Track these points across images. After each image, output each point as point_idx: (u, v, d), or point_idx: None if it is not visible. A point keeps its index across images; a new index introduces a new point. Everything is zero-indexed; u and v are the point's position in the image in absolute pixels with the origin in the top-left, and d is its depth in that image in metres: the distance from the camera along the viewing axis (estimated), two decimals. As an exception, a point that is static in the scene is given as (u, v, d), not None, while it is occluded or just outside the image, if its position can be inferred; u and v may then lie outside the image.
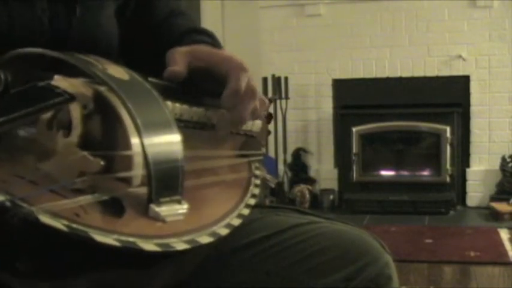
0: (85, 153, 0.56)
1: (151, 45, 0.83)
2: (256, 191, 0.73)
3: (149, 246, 0.53)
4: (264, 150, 0.84)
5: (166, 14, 0.87)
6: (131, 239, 0.52)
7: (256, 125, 0.80)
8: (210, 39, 0.85)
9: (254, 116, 0.73)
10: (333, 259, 0.73)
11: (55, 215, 0.50)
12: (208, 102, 0.73)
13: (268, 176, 0.81)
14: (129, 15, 0.84)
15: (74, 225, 0.50)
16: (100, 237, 0.50)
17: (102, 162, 0.56)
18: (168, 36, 0.84)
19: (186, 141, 0.60)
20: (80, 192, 0.55)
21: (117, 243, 0.51)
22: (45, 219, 0.49)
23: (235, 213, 0.66)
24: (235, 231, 0.63)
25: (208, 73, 0.71)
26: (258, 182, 0.75)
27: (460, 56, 4.11)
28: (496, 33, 4.08)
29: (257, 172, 0.77)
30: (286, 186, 4.39)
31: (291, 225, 0.76)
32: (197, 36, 0.84)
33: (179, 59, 0.71)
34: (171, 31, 0.85)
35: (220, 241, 0.62)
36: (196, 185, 0.65)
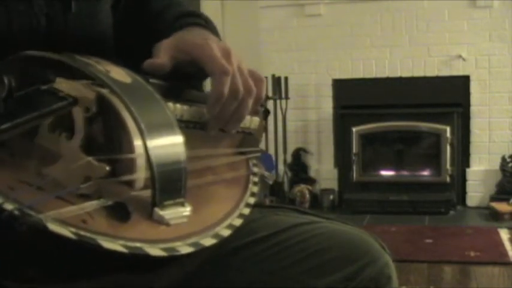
0: (90, 158, 0.56)
1: (148, 39, 0.83)
2: (255, 189, 0.74)
3: (155, 251, 0.53)
4: (261, 147, 0.84)
5: (163, 7, 0.86)
6: (138, 245, 0.53)
7: (254, 122, 0.80)
8: (204, 22, 0.83)
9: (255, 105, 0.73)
10: (333, 259, 0.73)
11: (63, 222, 0.50)
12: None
13: (266, 173, 0.81)
14: (121, 9, 0.84)
15: (82, 233, 0.50)
16: (107, 244, 0.51)
17: (107, 168, 0.56)
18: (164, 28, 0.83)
19: (187, 142, 0.60)
20: (85, 197, 0.55)
21: (124, 250, 0.52)
22: (54, 227, 0.49)
23: (236, 213, 0.66)
24: (236, 230, 0.64)
25: (194, 64, 0.71)
26: (256, 179, 0.76)
27: (460, 56, 4.11)
28: (496, 33, 4.08)
29: (255, 169, 0.78)
30: (286, 186, 4.39)
31: (291, 225, 0.76)
32: (189, 19, 0.82)
33: (163, 53, 0.71)
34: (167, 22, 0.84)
35: (221, 241, 0.62)
36: (197, 184, 0.65)
